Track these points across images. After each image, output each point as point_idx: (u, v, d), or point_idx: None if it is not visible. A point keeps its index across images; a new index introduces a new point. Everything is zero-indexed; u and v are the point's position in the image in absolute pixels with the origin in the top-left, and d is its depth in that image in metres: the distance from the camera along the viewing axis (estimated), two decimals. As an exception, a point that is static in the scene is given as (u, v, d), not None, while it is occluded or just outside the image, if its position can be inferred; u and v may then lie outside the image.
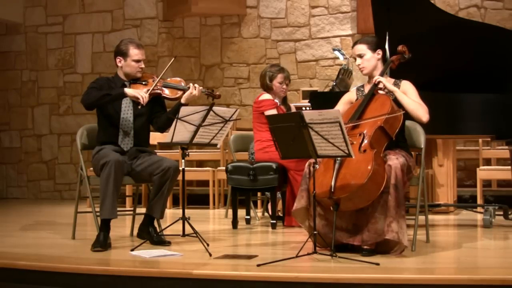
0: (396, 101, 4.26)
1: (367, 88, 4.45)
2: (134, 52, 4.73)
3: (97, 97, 4.60)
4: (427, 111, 4.24)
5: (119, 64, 4.78)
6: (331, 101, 4.74)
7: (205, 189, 7.77)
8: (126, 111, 4.72)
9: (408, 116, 4.32)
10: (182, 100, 4.67)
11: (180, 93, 4.73)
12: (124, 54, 4.74)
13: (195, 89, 4.67)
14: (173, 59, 4.94)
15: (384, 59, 4.46)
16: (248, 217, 5.82)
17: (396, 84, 4.40)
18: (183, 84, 4.78)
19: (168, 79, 4.82)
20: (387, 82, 4.31)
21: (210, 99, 4.84)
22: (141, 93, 4.56)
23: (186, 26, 9.09)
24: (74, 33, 9.45)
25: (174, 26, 9.13)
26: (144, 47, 4.87)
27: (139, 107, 4.60)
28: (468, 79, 5.39)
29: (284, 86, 5.86)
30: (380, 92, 4.34)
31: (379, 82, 4.29)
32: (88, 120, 5.15)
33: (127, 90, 4.59)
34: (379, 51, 4.41)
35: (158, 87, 4.72)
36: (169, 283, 3.56)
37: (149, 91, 4.66)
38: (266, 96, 5.82)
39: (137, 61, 4.73)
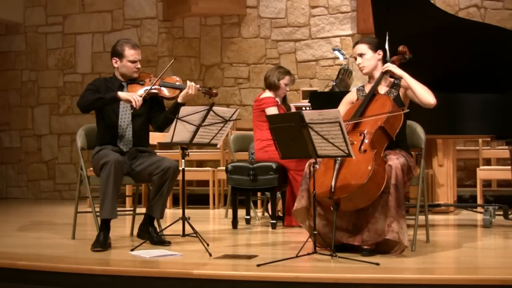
0: (396, 100, 4.27)
1: (367, 88, 4.45)
2: (130, 53, 4.72)
3: (90, 101, 4.60)
4: (433, 95, 4.25)
5: (115, 65, 4.78)
6: (331, 101, 4.74)
7: (205, 189, 7.77)
8: (124, 113, 4.72)
9: (408, 116, 4.33)
10: (179, 100, 4.66)
11: (178, 91, 4.72)
12: (120, 55, 4.73)
13: (191, 87, 4.65)
14: (172, 60, 4.94)
15: (384, 59, 4.47)
16: (248, 217, 5.82)
17: (396, 84, 4.40)
18: (179, 83, 4.77)
19: (165, 78, 4.81)
20: (395, 68, 4.31)
21: (208, 97, 4.84)
22: (134, 96, 4.55)
23: (186, 26, 9.09)
24: (74, 33, 9.45)
25: (174, 26, 9.13)
26: (140, 47, 4.86)
27: (132, 111, 4.60)
28: (468, 79, 5.39)
29: (288, 89, 5.93)
30: (383, 90, 4.35)
31: (387, 70, 4.31)
32: (88, 120, 5.14)
33: (121, 94, 4.58)
34: (380, 52, 4.42)
35: (156, 87, 4.71)
36: (169, 283, 3.56)
37: (147, 91, 4.66)
38: (268, 94, 5.85)
39: (133, 61, 4.73)
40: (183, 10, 8.78)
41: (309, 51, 8.66)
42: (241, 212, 5.77)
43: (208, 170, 7.45)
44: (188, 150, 4.50)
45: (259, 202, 7.24)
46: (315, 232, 3.94)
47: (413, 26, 5.45)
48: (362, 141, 4.05)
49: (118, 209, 4.51)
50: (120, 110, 4.71)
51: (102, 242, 4.34)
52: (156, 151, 5.08)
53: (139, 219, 4.84)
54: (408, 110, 4.20)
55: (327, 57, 8.57)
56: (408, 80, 4.27)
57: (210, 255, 4.03)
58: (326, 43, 8.60)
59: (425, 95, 4.22)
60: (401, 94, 4.37)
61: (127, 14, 9.28)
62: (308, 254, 3.87)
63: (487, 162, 7.78)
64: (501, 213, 5.74)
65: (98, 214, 4.56)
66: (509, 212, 5.65)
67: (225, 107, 5.09)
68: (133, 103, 4.51)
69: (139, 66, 4.78)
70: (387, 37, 5.40)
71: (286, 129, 3.87)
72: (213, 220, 6.52)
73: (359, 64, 4.42)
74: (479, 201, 6.80)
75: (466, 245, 4.55)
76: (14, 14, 9.53)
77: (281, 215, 5.77)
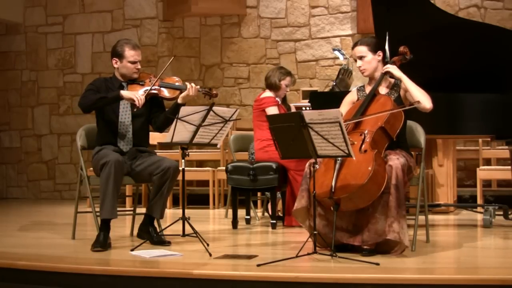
0: (397, 101, 4.27)
1: (367, 89, 4.45)
2: (130, 54, 4.71)
3: (93, 100, 4.60)
4: (430, 100, 4.24)
5: (115, 66, 4.77)
6: (331, 101, 4.74)
7: (205, 189, 7.77)
8: (124, 113, 4.72)
9: (408, 116, 4.33)
10: (179, 100, 4.66)
11: (178, 92, 4.72)
12: (120, 56, 4.73)
13: (191, 88, 4.65)
14: (172, 58, 4.94)
15: (384, 59, 4.46)
16: (248, 217, 5.82)
17: (397, 85, 4.40)
18: (178, 84, 4.77)
19: (165, 79, 4.80)
20: (395, 69, 4.31)
21: (208, 98, 4.83)
22: (136, 95, 4.55)
23: (186, 26, 9.09)
24: (74, 33, 9.45)
25: (174, 26, 9.13)
26: (140, 48, 4.85)
27: (135, 109, 4.60)
28: (468, 79, 5.39)
29: (288, 89, 5.94)
30: (383, 91, 4.35)
31: (386, 72, 4.31)
32: (88, 120, 5.14)
33: (123, 93, 4.58)
34: (380, 53, 4.41)
35: (156, 87, 4.71)
36: (169, 283, 3.56)
37: (147, 91, 4.66)
38: (268, 93, 5.87)
39: (133, 62, 4.72)
40: (183, 10, 8.79)
41: (309, 51, 8.66)
42: (241, 212, 5.77)
43: (208, 170, 7.45)
44: (188, 150, 4.50)
45: (259, 202, 7.24)
46: (315, 232, 3.94)
47: (413, 26, 5.45)
48: (363, 141, 4.05)
49: (118, 209, 4.51)
50: (120, 110, 4.71)
51: (102, 242, 4.34)
52: (156, 151, 5.08)
53: (139, 219, 4.84)
54: (419, 102, 4.17)
55: (327, 57, 8.57)
56: (406, 82, 4.26)
57: (210, 255, 4.03)
58: (326, 43, 8.60)
59: (422, 99, 4.21)
60: (401, 95, 4.36)
61: (127, 14, 9.28)
62: (308, 254, 3.87)
63: (487, 162, 7.78)
64: (501, 213, 5.74)
65: (98, 214, 4.56)
66: (509, 212, 5.65)
67: (225, 107, 5.08)
68: (136, 102, 4.52)
69: (139, 66, 4.77)
70: (387, 37, 5.40)
71: (286, 129, 3.87)
72: (213, 220, 6.52)
73: (360, 66, 4.41)
74: (479, 201, 6.80)
75: (466, 245, 4.55)
76: (14, 14, 9.53)
77: (281, 215, 5.77)
